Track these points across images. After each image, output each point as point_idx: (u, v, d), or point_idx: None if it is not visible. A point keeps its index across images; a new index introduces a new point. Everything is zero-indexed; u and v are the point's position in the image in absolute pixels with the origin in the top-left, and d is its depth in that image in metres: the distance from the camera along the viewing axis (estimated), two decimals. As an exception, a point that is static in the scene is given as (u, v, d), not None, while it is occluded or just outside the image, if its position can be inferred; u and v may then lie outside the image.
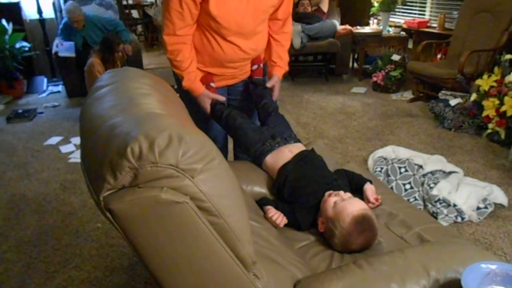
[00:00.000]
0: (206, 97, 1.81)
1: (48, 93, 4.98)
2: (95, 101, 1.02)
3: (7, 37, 4.57)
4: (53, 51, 4.52)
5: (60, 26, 4.55)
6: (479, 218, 2.25)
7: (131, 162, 0.72)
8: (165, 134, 0.74)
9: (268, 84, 1.91)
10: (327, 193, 1.41)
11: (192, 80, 1.76)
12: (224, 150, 2.12)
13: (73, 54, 4.37)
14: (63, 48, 4.39)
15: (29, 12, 5.14)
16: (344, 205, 1.31)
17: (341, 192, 1.39)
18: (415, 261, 1.05)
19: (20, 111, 4.22)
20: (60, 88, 5.07)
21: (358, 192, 1.55)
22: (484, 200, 2.31)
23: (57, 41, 4.50)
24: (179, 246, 0.81)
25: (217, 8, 1.58)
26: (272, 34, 1.89)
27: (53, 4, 5.03)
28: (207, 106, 1.83)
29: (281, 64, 1.93)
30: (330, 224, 1.31)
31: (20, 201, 2.62)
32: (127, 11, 7.27)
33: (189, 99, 1.78)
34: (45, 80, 5.21)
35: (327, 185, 1.47)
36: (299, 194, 1.47)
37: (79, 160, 3.15)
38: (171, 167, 0.74)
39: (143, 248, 0.81)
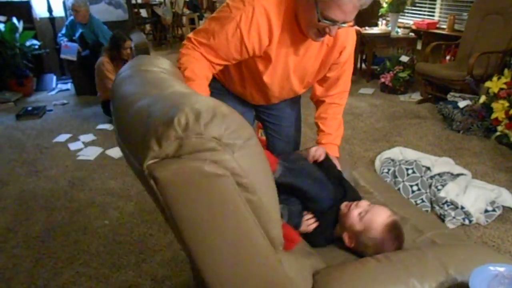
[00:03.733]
0: None
1: (57, 91, 5.02)
2: (123, 81, 1.04)
3: (17, 35, 4.62)
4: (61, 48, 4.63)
5: (66, 22, 4.70)
6: (487, 221, 2.24)
7: (177, 131, 0.74)
8: (210, 108, 0.76)
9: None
10: (343, 205, 1.33)
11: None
12: None
13: (74, 58, 4.51)
14: (65, 49, 4.50)
15: (40, 10, 5.19)
16: (372, 217, 1.26)
17: (361, 203, 1.31)
18: (434, 259, 1.05)
19: (29, 108, 4.26)
20: (69, 86, 5.12)
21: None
22: (492, 203, 2.29)
23: (62, 39, 4.60)
24: (216, 218, 0.83)
25: (269, 76, 1.47)
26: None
27: (63, 2, 5.07)
28: None
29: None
30: (361, 238, 1.26)
31: (29, 198, 2.65)
32: (136, 10, 7.31)
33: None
34: (55, 78, 5.26)
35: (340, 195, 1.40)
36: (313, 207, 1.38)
37: (87, 158, 3.18)
38: (215, 140, 0.75)
39: (181, 218, 0.82)
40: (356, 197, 1.42)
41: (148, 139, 0.76)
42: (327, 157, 1.54)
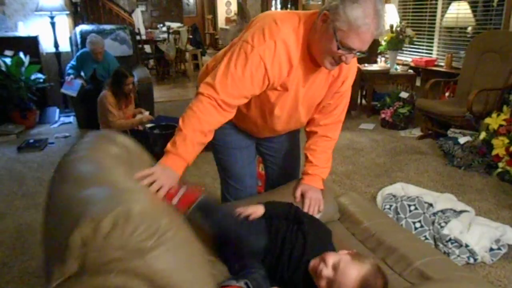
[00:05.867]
0: (169, 179, 1.23)
1: (60, 123, 5.06)
2: (62, 170, 1.01)
3: (23, 69, 4.71)
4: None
5: (77, 54, 4.74)
6: (492, 260, 2.19)
7: (75, 251, 0.70)
8: (110, 215, 0.72)
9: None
10: (311, 265, 1.22)
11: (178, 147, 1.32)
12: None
13: (74, 94, 4.54)
14: (67, 85, 4.55)
15: (46, 45, 5.31)
16: (342, 280, 1.15)
17: (328, 260, 1.19)
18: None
19: (31, 141, 4.28)
20: (71, 119, 5.16)
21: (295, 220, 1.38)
22: (497, 241, 2.25)
23: (69, 72, 4.64)
24: None
25: (280, 108, 1.50)
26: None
27: (70, 38, 5.20)
28: (164, 189, 1.20)
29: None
30: None
31: (26, 231, 2.61)
32: (140, 46, 7.48)
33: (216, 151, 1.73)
34: (58, 111, 5.31)
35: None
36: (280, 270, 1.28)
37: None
38: (118, 250, 0.71)
39: None
40: (322, 238, 1.33)
41: (52, 259, 0.73)
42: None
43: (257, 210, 1.39)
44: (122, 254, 0.71)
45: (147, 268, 0.72)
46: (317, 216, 1.60)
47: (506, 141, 3.08)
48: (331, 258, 1.19)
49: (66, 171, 0.99)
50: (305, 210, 1.57)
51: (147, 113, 4.02)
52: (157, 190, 1.17)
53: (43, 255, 0.83)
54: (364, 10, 1.20)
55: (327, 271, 1.17)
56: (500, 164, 3.12)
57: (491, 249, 2.22)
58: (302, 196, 1.62)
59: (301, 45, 1.36)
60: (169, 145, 1.33)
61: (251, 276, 1.16)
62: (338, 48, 1.27)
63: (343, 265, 1.16)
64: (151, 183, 1.16)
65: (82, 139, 1.18)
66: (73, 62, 4.73)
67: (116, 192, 0.83)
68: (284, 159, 1.85)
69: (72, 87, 4.53)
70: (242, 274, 1.17)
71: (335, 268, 1.17)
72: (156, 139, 3.61)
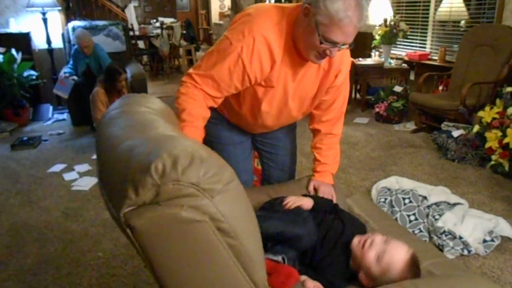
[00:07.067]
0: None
1: (54, 120, 5.03)
2: (109, 121, 1.04)
3: (15, 66, 4.67)
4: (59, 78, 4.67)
5: (72, 52, 4.75)
6: (485, 251, 2.22)
7: (154, 178, 0.73)
8: (188, 153, 0.76)
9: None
10: (356, 241, 1.25)
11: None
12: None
13: (65, 96, 4.53)
14: (59, 85, 4.54)
15: (39, 42, 5.26)
16: (391, 258, 1.19)
17: (375, 237, 1.24)
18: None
19: (24, 138, 4.25)
20: (65, 116, 5.13)
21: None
22: (491, 232, 2.28)
23: (62, 74, 4.62)
24: (196, 264, 0.81)
25: (268, 103, 1.48)
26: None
27: (62, 34, 5.16)
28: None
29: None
30: (381, 279, 1.19)
31: (22, 229, 2.61)
32: (133, 41, 7.43)
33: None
34: (51, 108, 5.28)
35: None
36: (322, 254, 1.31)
37: (82, 188, 3.15)
38: (193, 186, 0.75)
39: (160, 265, 0.81)
40: (359, 227, 1.38)
41: (126, 186, 0.76)
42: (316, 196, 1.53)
43: (307, 203, 1.43)
44: (195, 191, 0.75)
45: (214, 209, 0.77)
46: None
47: (499, 134, 3.11)
48: (378, 234, 1.24)
49: (119, 122, 1.01)
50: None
51: None
52: None
53: (104, 190, 0.87)
54: (345, 2, 1.17)
55: (379, 240, 1.22)
56: (493, 157, 3.15)
57: (485, 241, 2.24)
58: (315, 190, 1.65)
59: (284, 39, 1.34)
60: (179, 125, 1.35)
61: (285, 253, 1.20)
62: (321, 43, 1.24)
63: (392, 241, 1.21)
64: None
65: (120, 101, 1.18)
66: (70, 64, 4.71)
67: (182, 139, 0.87)
68: (280, 154, 1.85)
69: (65, 87, 4.50)
70: (277, 250, 1.21)
71: (386, 242, 1.22)
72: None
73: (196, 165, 0.75)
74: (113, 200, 0.81)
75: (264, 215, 1.25)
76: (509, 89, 3.33)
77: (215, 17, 12.14)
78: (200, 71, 1.37)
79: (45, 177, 3.40)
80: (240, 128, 1.71)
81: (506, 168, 3.06)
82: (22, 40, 5.02)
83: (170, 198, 0.75)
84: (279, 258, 1.18)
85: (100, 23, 5.36)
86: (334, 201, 1.62)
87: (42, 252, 2.35)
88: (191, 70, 1.41)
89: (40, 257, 2.30)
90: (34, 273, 2.17)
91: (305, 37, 1.29)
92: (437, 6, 4.68)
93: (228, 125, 1.70)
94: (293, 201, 1.42)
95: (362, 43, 5.69)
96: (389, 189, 2.71)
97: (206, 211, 0.77)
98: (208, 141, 1.74)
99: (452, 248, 2.20)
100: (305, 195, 1.52)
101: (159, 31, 8.06)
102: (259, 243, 0.92)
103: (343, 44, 1.26)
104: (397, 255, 1.19)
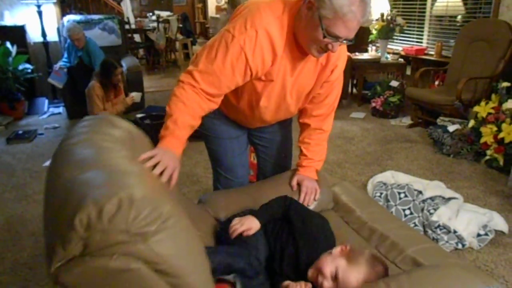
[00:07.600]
0: (171, 160, 1.23)
1: (49, 114, 5.00)
2: (62, 154, 1.00)
3: (10, 59, 4.63)
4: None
5: (66, 45, 4.76)
6: (480, 245, 2.23)
7: (79, 232, 0.71)
8: (114, 199, 0.73)
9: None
10: (309, 275, 1.23)
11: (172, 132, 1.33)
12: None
13: (60, 86, 4.54)
14: (54, 75, 4.54)
15: (34, 35, 5.22)
16: (347, 279, 1.17)
17: (323, 269, 1.20)
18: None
19: (20, 132, 4.23)
20: (61, 109, 5.10)
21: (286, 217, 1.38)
22: (485, 226, 2.30)
23: (58, 64, 4.63)
24: None
25: (267, 97, 1.48)
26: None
27: (58, 28, 5.12)
28: (168, 170, 1.20)
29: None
30: None
31: (17, 223, 2.60)
32: (129, 35, 7.39)
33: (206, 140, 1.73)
34: (46, 101, 5.25)
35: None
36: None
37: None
38: (122, 233, 0.72)
39: None
40: (312, 246, 1.31)
41: (54, 241, 0.73)
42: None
43: (252, 226, 1.33)
44: (125, 238, 0.72)
45: (149, 252, 0.74)
46: (313, 205, 1.63)
47: (494, 129, 3.12)
48: (327, 268, 1.19)
49: (67, 154, 0.98)
50: (301, 198, 1.60)
51: (134, 93, 4.05)
52: (161, 173, 1.17)
53: (45, 238, 0.83)
54: None
55: (328, 284, 1.18)
56: (488, 152, 3.17)
57: (479, 235, 2.26)
58: (298, 185, 1.64)
59: (286, 33, 1.34)
60: (162, 131, 1.33)
61: (247, 278, 1.18)
62: (324, 37, 1.24)
63: (341, 275, 1.17)
64: (155, 165, 1.16)
65: (81, 123, 1.16)
66: (65, 57, 4.75)
67: (119, 176, 0.83)
68: (276, 149, 1.85)
69: (60, 77, 4.51)
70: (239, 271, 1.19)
71: (334, 278, 1.18)
72: (146, 129, 3.59)
73: (124, 211, 0.72)
74: (46, 255, 0.77)
75: (210, 249, 1.17)
76: (504, 84, 3.34)
77: (211, 11, 12.07)
78: (200, 67, 1.34)
79: (41, 171, 3.38)
80: (237, 122, 1.71)
81: (501, 163, 3.08)
82: (17, 33, 4.97)
83: (99, 249, 0.72)
84: (230, 277, 1.16)
85: (96, 17, 5.33)
86: (318, 196, 1.63)
87: (38, 246, 2.35)
88: (190, 67, 1.38)
89: (35, 251, 2.30)
90: (30, 267, 2.17)
91: (308, 31, 1.29)
92: (434, 1, 4.68)
93: (225, 120, 1.70)
94: (238, 228, 1.31)
95: (359, 38, 5.68)
96: (384, 184, 2.72)
97: (140, 256, 0.74)
98: (205, 135, 1.74)
99: (447, 242, 2.22)
100: (251, 211, 1.42)
101: (155, 24, 8.00)
102: (206, 276, 0.89)
103: (346, 39, 1.27)
104: (352, 277, 1.17)
